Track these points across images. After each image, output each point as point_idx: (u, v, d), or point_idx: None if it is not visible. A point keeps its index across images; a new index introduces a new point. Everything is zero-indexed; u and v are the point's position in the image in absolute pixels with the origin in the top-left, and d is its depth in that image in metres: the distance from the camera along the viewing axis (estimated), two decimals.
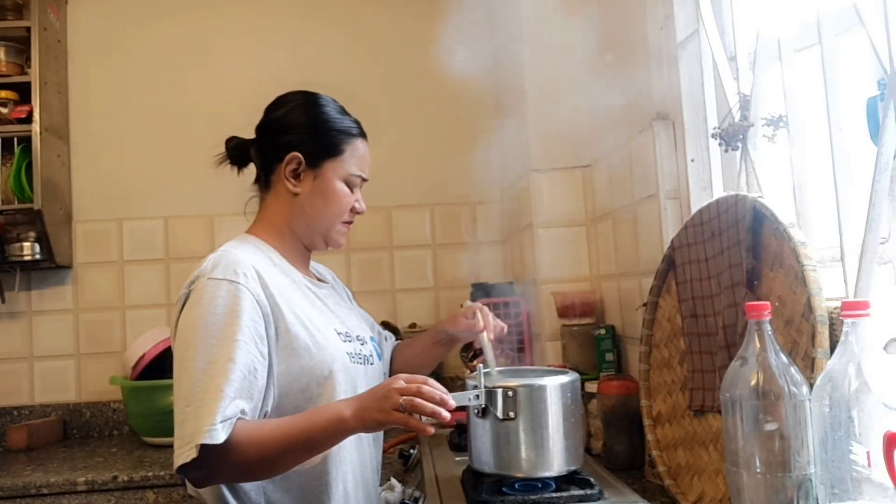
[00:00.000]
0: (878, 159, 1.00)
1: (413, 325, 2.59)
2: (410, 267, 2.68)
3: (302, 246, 1.34)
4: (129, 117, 2.62)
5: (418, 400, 1.02)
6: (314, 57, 2.70)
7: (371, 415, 1.05)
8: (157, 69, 2.65)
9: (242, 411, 1.07)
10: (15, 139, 2.34)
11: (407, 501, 1.42)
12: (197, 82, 2.65)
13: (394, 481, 1.58)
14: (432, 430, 1.04)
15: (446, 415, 1.04)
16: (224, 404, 1.04)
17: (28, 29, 2.35)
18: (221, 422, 1.02)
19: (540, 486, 1.22)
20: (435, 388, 1.05)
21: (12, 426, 2.35)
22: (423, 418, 1.03)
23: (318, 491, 1.18)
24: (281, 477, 1.16)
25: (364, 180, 1.35)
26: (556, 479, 1.22)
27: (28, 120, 2.33)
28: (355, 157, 1.31)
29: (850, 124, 1.12)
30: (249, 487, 1.16)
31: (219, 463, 1.04)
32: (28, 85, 2.35)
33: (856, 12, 1.03)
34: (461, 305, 2.37)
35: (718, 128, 1.39)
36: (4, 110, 2.35)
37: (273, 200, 1.32)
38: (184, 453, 1.02)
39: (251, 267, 1.18)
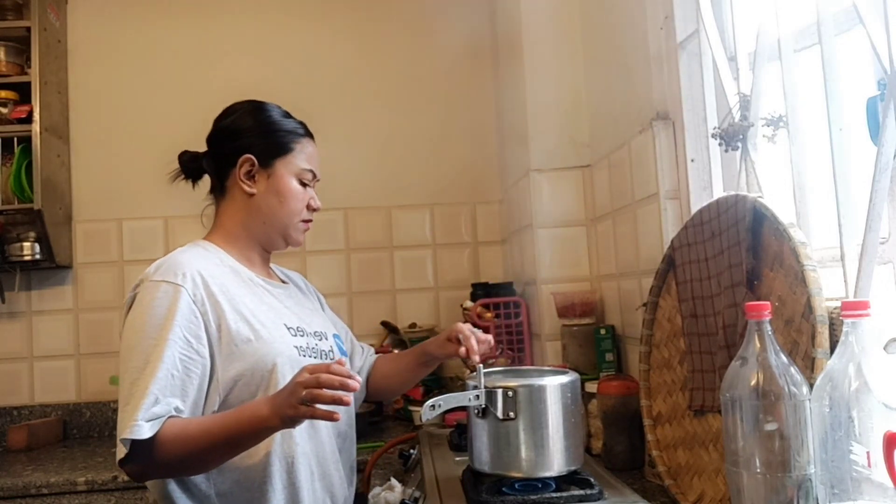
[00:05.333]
0: (878, 159, 1.00)
1: (413, 325, 2.59)
2: (410, 267, 2.68)
3: (259, 247, 1.38)
4: (129, 117, 2.62)
5: (317, 391, 1.03)
6: (313, 58, 2.70)
7: (284, 411, 1.06)
8: (156, 69, 2.65)
9: (176, 408, 1.12)
10: (15, 139, 2.34)
11: (407, 501, 1.42)
12: (197, 82, 2.65)
13: (394, 481, 1.58)
14: (339, 416, 1.05)
15: (348, 399, 1.05)
16: (149, 401, 1.09)
17: (28, 29, 2.35)
18: (147, 420, 1.07)
19: (540, 486, 1.22)
20: (337, 372, 1.04)
21: (12, 426, 2.35)
22: (329, 405, 1.04)
23: (261, 482, 1.21)
24: (228, 468, 1.20)
25: (316, 178, 1.40)
26: (556, 479, 1.22)
27: (28, 120, 2.33)
28: (304, 154, 1.37)
29: (850, 124, 1.12)
30: (199, 479, 1.20)
31: (149, 458, 1.09)
32: (28, 85, 2.35)
33: (856, 12, 1.03)
34: (461, 305, 2.39)
35: (718, 128, 1.39)
36: (4, 110, 2.35)
37: (228, 205, 1.37)
38: (120, 449, 1.09)
39: (192, 268, 1.23)
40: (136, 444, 1.07)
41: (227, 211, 1.37)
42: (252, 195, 1.34)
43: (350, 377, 1.03)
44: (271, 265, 1.47)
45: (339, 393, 1.03)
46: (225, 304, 1.22)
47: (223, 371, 1.20)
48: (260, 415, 1.09)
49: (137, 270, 2.52)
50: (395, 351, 2.48)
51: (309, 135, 1.41)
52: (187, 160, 1.41)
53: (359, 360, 1.56)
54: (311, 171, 1.38)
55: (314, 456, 1.28)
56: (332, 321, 1.52)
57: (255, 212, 1.35)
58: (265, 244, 1.39)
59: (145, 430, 1.07)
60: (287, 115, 1.41)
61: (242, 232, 1.36)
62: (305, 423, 1.17)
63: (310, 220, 1.39)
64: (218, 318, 1.21)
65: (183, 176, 1.43)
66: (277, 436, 1.20)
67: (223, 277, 1.26)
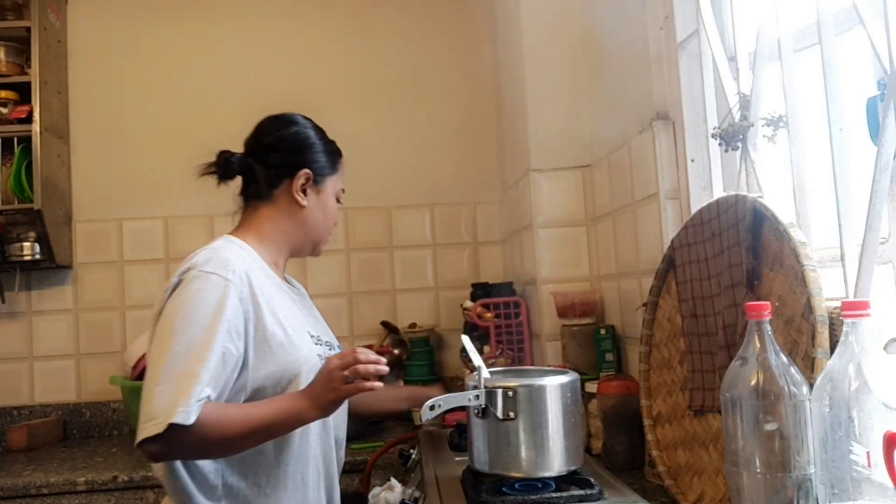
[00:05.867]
0: (878, 159, 1.00)
1: (413, 325, 2.59)
2: (410, 267, 2.68)
3: (285, 252, 1.43)
4: (129, 117, 2.62)
5: (360, 366, 1.16)
6: (314, 58, 2.70)
7: (325, 398, 1.17)
8: (157, 69, 2.65)
9: (208, 397, 1.14)
10: (15, 139, 2.34)
11: (407, 501, 1.42)
12: (197, 82, 2.65)
13: (394, 481, 1.58)
14: (380, 384, 1.18)
15: (384, 369, 1.19)
16: (199, 389, 1.11)
17: (28, 29, 2.35)
18: (196, 401, 1.10)
19: (540, 486, 1.22)
20: (364, 352, 1.18)
21: (12, 426, 2.35)
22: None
23: (276, 479, 1.26)
24: (239, 461, 1.24)
25: (344, 194, 1.50)
26: (556, 479, 1.22)
27: (28, 120, 2.33)
28: (342, 174, 1.48)
29: (850, 124, 1.12)
30: (208, 469, 1.22)
31: (183, 440, 1.11)
32: (28, 85, 2.35)
33: (856, 12, 1.03)
34: (461, 305, 2.39)
35: (718, 128, 1.39)
36: (4, 110, 2.35)
37: (271, 210, 1.40)
38: (149, 427, 1.09)
39: (240, 266, 1.26)
40: (172, 427, 1.08)
41: (268, 215, 1.40)
42: (302, 207, 1.39)
43: (378, 361, 1.17)
44: None
45: (378, 366, 1.17)
46: (264, 304, 1.25)
47: (254, 370, 1.23)
48: (299, 408, 1.17)
49: (137, 270, 2.57)
50: (396, 351, 2.49)
51: (342, 154, 1.49)
52: (230, 161, 1.41)
53: None
54: (344, 189, 1.48)
55: (322, 457, 1.33)
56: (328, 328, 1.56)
57: (300, 222, 1.40)
58: (296, 252, 1.44)
59: (192, 416, 1.09)
60: (324, 133, 1.48)
61: (280, 237, 1.40)
62: (318, 426, 1.28)
63: (332, 234, 1.49)
64: (257, 317, 1.24)
65: (214, 173, 1.43)
66: (295, 436, 1.26)
67: (261, 279, 1.30)
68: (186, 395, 1.10)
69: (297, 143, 1.41)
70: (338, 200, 1.46)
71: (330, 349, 1.39)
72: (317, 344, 1.34)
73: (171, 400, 1.09)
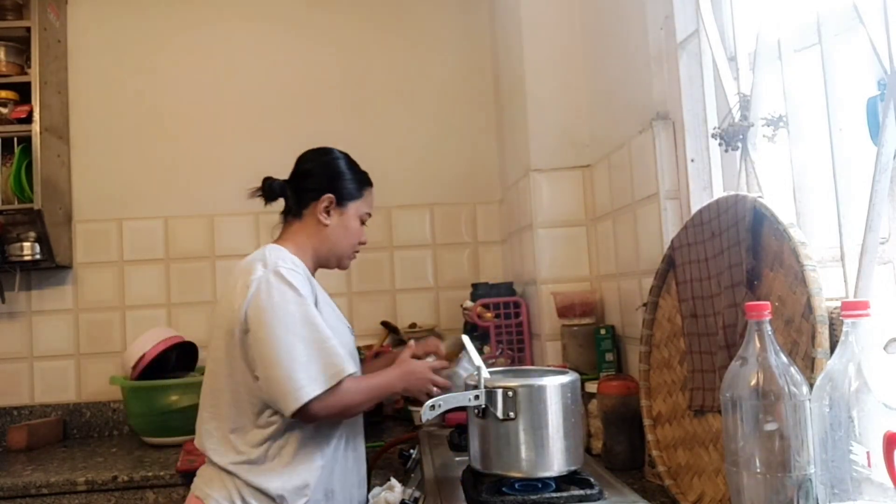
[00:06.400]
0: (878, 159, 1.00)
1: (413, 325, 2.59)
2: (410, 267, 2.68)
3: (313, 263, 1.62)
4: (129, 117, 2.63)
5: (442, 393, 1.43)
6: (314, 59, 2.70)
7: (412, 390, 1.51)
8: (156, 69, 2.65)
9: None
10: (15, 139, 2.34)
11: (407, 501, 1.43)
12: (197, 82, 2.65)
13: (394, 481, 1.58)
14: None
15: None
16: (339, 355, 1.42)
17: (28, 29, 2.36)
18: (340, 365, 1.41)
19: (540, 486, 1.22)
20: (444, 384, 1.50)
21: (12, 426, 2.35)
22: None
23: (312, 441, 1.47)
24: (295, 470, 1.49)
25: (369, 218, 1.69)
26: (556, 479, 1.22)
27: (28, 120, 2.33)
28: (369, 200, 1.68)
29: (850, 124, 1.12)
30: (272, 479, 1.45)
31: (337, 397, 1.41)
32: (28, 85, 2.35)
33: (856, 12, 1.03)
34: (461, 305, 2.39)
35: (718, 128, 1.39)
36: (4, 110, 2.35)
37: (302, 227, 1.62)
38: (315, 386, 1.38)
39: (302, 265, 1.53)
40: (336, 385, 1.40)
41: (300, 231, 1.61)
42: (326, 226, 1.60)
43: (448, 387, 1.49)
44: None
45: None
46: (319, 294, 1.52)
47: None
48: (394, 389, 1.51)
49: (137, 270, 2.57)
50: (394, 350, 2.48)
51: (371, 184, 1.69)
52: (271, 186, 1.63)
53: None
54: (370, 214, 1.68)
55: (351, 429, 1.56)
56: None
57: (325, 239, 1.61)
58: (322, 264, 1.65)
59: (349, 370, 1.42)
60: (354, 164, 1.68)
61: (308, 249, 1.60)
62: (353, 433, 1.57)
63: (357, 252, 1.68)
64: (317, 304, 1.49)
65: (261, 196, 1.65)
66: (334, 447, 1.51)
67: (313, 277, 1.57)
68: (338, 362, 1.40)
69: (326, 171, 1.63)
70: (362, 223, 1.65)
71: (352, 334, 1.66)
72: (352, 333, 1.64)
73: (333, 362, 1.41)
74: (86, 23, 2.63)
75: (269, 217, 2.65)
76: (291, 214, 1.63)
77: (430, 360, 1.56)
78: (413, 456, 1.74)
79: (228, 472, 1.42)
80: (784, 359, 0.89)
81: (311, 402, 1.37)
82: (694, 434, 1.25)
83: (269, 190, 1.64)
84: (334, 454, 1.49)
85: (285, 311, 1.41)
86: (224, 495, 1.41)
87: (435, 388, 1.47)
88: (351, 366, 1.42)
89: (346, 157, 1.68)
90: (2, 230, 2.36)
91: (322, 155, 1.67)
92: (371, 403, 1.50)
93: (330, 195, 1.60)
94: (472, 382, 1.24)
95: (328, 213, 1.60)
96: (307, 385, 1.37)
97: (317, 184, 1.61)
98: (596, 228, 2.02)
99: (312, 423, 1.44)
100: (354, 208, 1.63)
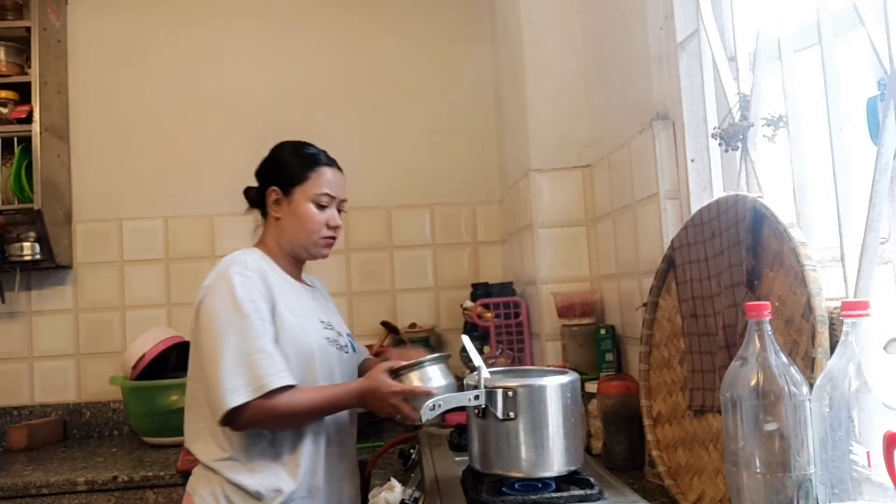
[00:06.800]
0: (878, 159, 1.00)
1: (413, 325, 2.59)
2: (410, 267, 2.68)
3: (287, 257, 1.62)
4: (129, 117, 2.63)
5: (405, 419, 1.40)
6: (313, 59, 2.70)
7: (374, 409, 1.43)
8: (156, 69, 2.65)
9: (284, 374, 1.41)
10: (15, 139, 2.34)
11: (407, 501, 1.43)
12: (197, 82, 2.65)
13: (394, 481, 1.58)
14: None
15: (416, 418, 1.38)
16: (269, 362, 1.39)
17: (28, 29, 2.36)
18: (271, 374, 1.38)
19: (540, 486, 1.22)
20: (409, 413, 1.38)
21: (12, 426, 2.36)
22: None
23: (294, 439, 1.47)
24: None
25: (333, 199, 1.60)
26: (556, 479, 1.22)
27: (28, 120, 2.33)
28: (320, 180, 1.59)
29: (850, 124, 1.12)
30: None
31: (264, 408, 1.38)
32: (28, 85, 2.35)
33: (856, 12, 1.03)
34: (461, 305, 2.39)
35: (718, 128, 1.39)
36: (4, 110, 2.35)
37: (268, 226, 1.64)
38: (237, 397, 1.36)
39: (255, 266, 1.50)
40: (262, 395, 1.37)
41: (268, 230, 1.63)
42: (279, 219, 1.59)
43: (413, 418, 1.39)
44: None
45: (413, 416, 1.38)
46: (278, 296, 1.49)
47: (280, 345, 1.45)
48: (349, 405, 1.47)
49: (137, 270, 2.57)
50: (394, 350, 2.48)
51: (327, 163, 1.63)
52: (248, 195, 1.66)
53: (358, 361, 1.74)
54: (327, 193, 1.58)
55: (333, 426, 1.54)
56: (344, 321, 1.76)
57: (283, 232, 1.60)
58: (295, 256, 1.63)
59: (278, 383, 1.38)
60: (304, 147, 1.64)
61: (275, 246, 1.61)
62: (338, 429, 1.56)
63: (331, 237, 1.61)
64: (273, 305, 1.47)
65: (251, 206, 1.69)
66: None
67: (275, 278, 1.53)
68: (260, 371, 1.37)
69: (269, 165, 1.64)
70: (320, 206, 1.58)
71: (339, 335, 1.61)
72: (326, 329, 1.56)
73: (260, 374, 1.37)
74: (86, 23, 2.63)
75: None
76: (262, 215, 1.66)
77: (415, 376, 1.42)
78: (413, 456, 1.74)
79: (213, 470, 1.45)
80: (784, 359, 0.89)
81: (234, 412, 1.36)
82: (694, 434, 1.25)
83: (247, 198, 1.67)
84: (317, 451, 1.49)
85: (220, 319, 1.41)
86: (209, 492, 1.44)
87: (397, 416, 1.40)
88: (282, 378, 1.38)
89: (294, 144, 1.65)
90: (2, 230, 2.36)
91: (270, 152, 1.67)
92: (319, 416, 1.47)
93: (274, 187, 1.59)
94: (473, 382, 1.24)
95: (278, 205, 1.59)
96: (229, 395, 1.35)
97: (264, 180, 1.63)
98: (596, 228, 2.02)
99: (247, 430, 1.43)
100: (301, 193, 1.58)
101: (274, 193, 1.59)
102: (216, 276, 1.48)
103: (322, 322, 1.58)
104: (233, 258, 1.51)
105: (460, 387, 1.33)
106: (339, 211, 1.63)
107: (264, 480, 1.42)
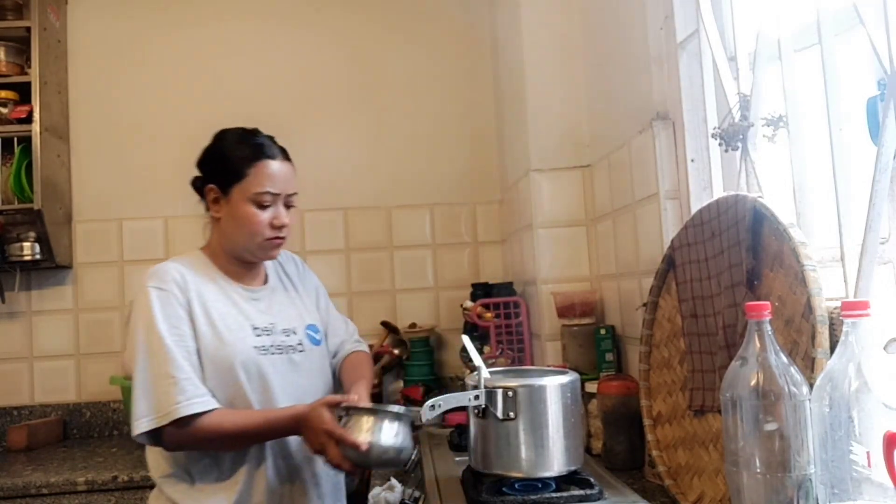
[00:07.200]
0: (878, 159, 1.00)
1: (413, 325, 2.59)
2: (410, 267, 2.68)
3: (230, 258, 1.51)
4: (129, 117, 2.62)
5: (334, 463, 1.29)
6: (313, 58, 2.70)
7: (307, 439, 1.33)
8: (156, 69, 2.65)
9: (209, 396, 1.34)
10: (15, 139, 2.34)
11: (407, 501, 1.43)
12: (197, 82, 2.65)
13: (394, 481, 1.58)
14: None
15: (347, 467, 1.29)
16: (181, 386, 1.31)
17: (28, 29, 2.35)
18: (187, 399, 1.30)
19: (540, 486, 1.22)
20: (334, 458, 1.28)
21: (12, 426, 2.35)
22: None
23: (235, 458, 1.40)
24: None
25: (277, 196, 1.45)
26: (556, 479, 1.22)
27: (28, 120, 2.33)
28: (259, 177, 1.44)
29: (850, 124, 1.12)
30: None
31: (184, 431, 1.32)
32: (28, 85, 2.35)
33: (856, 12, 1.03)
34: (461, 305, 2.39)
35: (718, 128, 1.39)
36: (4, 110, 2.35)
37: (212, 225, 1.53)
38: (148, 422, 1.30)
39: (176, 275, 1.41)
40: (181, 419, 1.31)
41: (213, 230, 1.53)
42: (218, 219, 1.48)
43: (341, 466, 1.28)
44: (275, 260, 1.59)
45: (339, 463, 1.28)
46: (197, 307, 1.40)
47: (201, 357, 1.39)
48: (283, 433, 1.37)
49: (137, 270, 2.57)
50: (396, 351, 2.48)
51: (268, 156, 1.46)
52: (195, 185, 1.53)
53: (334, 344, 1.64)
54: (268, 192, 1.43)
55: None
56: (320, 310, 1.64)
57: (223, 233, 1.49)
58: (240, 256, 1.50)
59: (189, 410, 1.31)
60: (244, 138, 1.48)
61: (219, 249, 1.51)
62: (283, 448, 1.43)
63: (278, 237, 1.47)
64: (192, 318, 1.39)
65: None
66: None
67: (205, 284, 1.45)
68: (165, 398, 1.29)
69: (207, 160, 1.51)
70: (261, 205, 1.44)
71: (287, 335, 1.49)
72: (260, 335, 1.45)
73: (161, 401, 1.29)
74: (86, 23, 2.63)
75: None
76: (206, 211, 1.54)
77: (364, 422, 1.27)
78: (413, 456, 1.74)
79: (159, 487, 1.43)
80: (784, 359, 0.89)
81: (151, 435, 1.31)
82: (694, 434, 1.25)
83: (195, 190, 1.53)
84: (255, 471, 1.40)
85: (135, 339, 1.35)
86: None
87: (325, 457, 1.29)
88: (192, 406, 1.29)
89: (233, 133, 1.50)
90: (2, 230, 2.36)
91: (211, 143, 1.52)
92: (253, 441, 1.38)
93: (211, 185, 1.47)
94: (473, 382, 1.24)
95: (217, 203, 1.47)
96: (135, 420, 1.30)
97: (203, 177, 1.50)
98: (596, 228, 2.02)
99: (179, 451, 1.38)
100: (239, 192, 1.43)
101: (212, 192, 1.47)
102: (137, 289, 1.41)
103: (257, 328, 1.45)
104: (154, 270, 1.42)
105: (460, 387, 1.32)
106: (288, 206, 1.48)
107: (197, 500, 1.38)
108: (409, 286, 2.67)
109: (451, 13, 2.76)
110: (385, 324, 2.57)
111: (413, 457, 1.39)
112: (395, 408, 1.30)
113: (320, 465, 1.45)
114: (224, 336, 1.40)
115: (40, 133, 2.33)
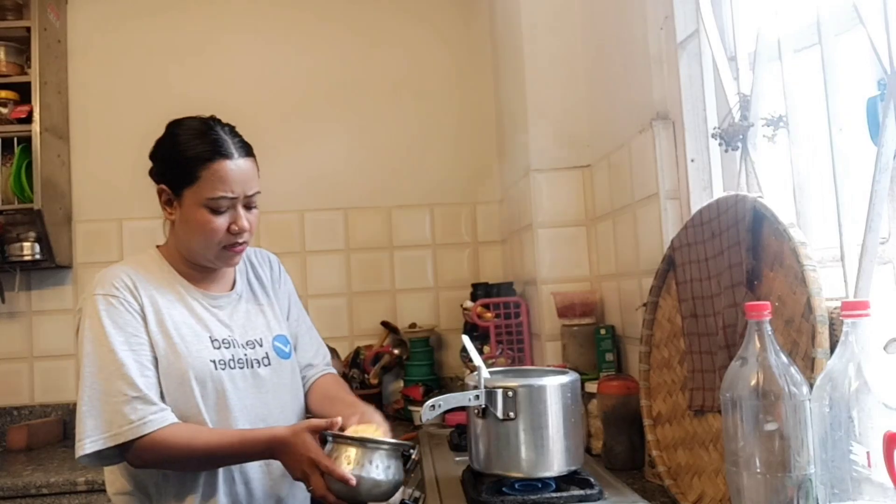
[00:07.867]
0: (878, 159, 1.00)
1: (413, 325, 2.59)
2: (410, 267, 2.68)
3: (186, 262, 1.39)
4: (129, 117, 2.62)
5: (318, 494, 1.19)
6: (314, 58, 2.70)
7: (287, 466, 1.23)
8: (156, 69, 2.65)
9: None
10: (15, 139, 2.34)
11: (407, 501, 1.42)
12: (197, 82, 2.65)
13: None
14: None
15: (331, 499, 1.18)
16: (134, 406, 1.23)
17: (28, 29, 2.36)
18: (152, 414, 1.23)
19: (540, 486, 1.22)
20: (318, 489, 1.18)
21: (12, 426, 2.35)
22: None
23: (188, 476, 1.30)
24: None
25: (234, 199, 1.31)
26: (556, 479, 1.22)
27: (28, 120, 2.33)
28: (213, 179, 1.29)
29: (850, 124, 1.12)
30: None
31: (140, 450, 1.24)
32: (28, 85, 2.35)
33: (856, 12, 1.03)
34: (461, 305, 2.39)
35: (718, 128, 1.39)
36: (4, 110, 2.35)
37: (168, 224, 1.41)
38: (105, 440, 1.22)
39: (127, 281, 1.31)
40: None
41: (169, 230, 1.41)
42: (173, 222, 1.37)
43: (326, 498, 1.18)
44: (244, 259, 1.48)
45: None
46: (150, 315, 1.30)
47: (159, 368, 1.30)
48: (260, 454, 1.25)
49: None
50: (396, 351, 2.48)
51: (223, 155, 1.30)
52: (152, 177, 1.42)
53: (304, 361, 1.51)
54: (223, 196, 1.29)
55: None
56: (290, 321, 1.51)
57: (178, 237, 1.37)
58: (195, 261, 1.38)
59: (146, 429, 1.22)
60: (200, 134, 1.33)
61: (174, 249, 1.40)
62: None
63: (237, 244, 1.33)
64: (146, 325, 1.30)
65: None
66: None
67: (160, 290, 1.34)
68: (117, 418, 1.21)
69: (159, 156, 1.38)
70: (216, 211, 1.29)
71: (252, 348, 1.37)
72: (219, 348, 1.33)
73: (111, 420, 1.21)
74: (86, 23, 2.63)
75: (270, 217, 2.65)
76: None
77: (353, 453, 1.19)
78: (413, 456, 1.74)
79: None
80: (784, 359, 0.89)
81: (91, 457, 1.21)
82: (694, 434, 1.25)
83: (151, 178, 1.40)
84: (210, 492, 1.30)
85: (83, 350, 1.25)
86: None
87: (308, 486, 1.20)
88: (146, 426, 1.20)
89: (186, 127, 1.36)
90: (2, 230, 2.36)
91: (165, 132, 1.38)
92: (220, 463, 1.28)
93: (163, 186, 1.34)
94: (473, 382, 1.24)
95: (170, 205, 1.34)
96: (81, 440, 1.21)
97: (154, 173, 1.38)
98: (596, 228, 2.02)
99: (140, 467, 1.27)
100: (192, 196, 1.29)
101: (164, 193, 1.34)
102: (84, 298, 1.30)
103: (215, 340, 1.34)
104: (102, 275, 1.32)
105: (460, 387, 1.32)
106: (249, 207, 1.34)
107: None
108: (409, 286, 2.67)
109: (451, 13, 2.76)
110: (385, 324, 2.57)
111: (414, 456, 1.34)
112: (391, 440, 1.23)
113: (286, 489, 1.37)
114: (179, 348, 1.29)
115: (40, 133, 2.33)
